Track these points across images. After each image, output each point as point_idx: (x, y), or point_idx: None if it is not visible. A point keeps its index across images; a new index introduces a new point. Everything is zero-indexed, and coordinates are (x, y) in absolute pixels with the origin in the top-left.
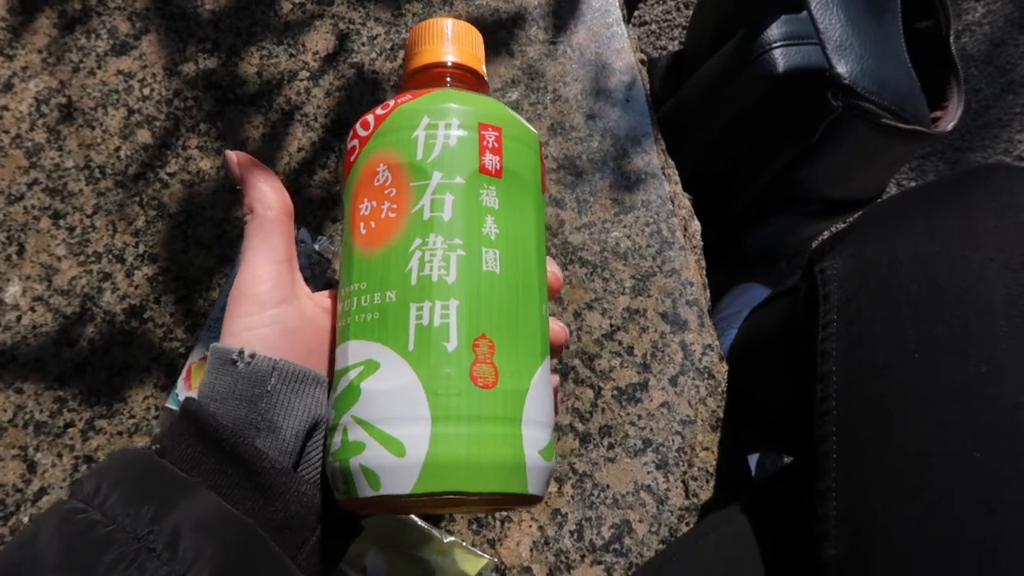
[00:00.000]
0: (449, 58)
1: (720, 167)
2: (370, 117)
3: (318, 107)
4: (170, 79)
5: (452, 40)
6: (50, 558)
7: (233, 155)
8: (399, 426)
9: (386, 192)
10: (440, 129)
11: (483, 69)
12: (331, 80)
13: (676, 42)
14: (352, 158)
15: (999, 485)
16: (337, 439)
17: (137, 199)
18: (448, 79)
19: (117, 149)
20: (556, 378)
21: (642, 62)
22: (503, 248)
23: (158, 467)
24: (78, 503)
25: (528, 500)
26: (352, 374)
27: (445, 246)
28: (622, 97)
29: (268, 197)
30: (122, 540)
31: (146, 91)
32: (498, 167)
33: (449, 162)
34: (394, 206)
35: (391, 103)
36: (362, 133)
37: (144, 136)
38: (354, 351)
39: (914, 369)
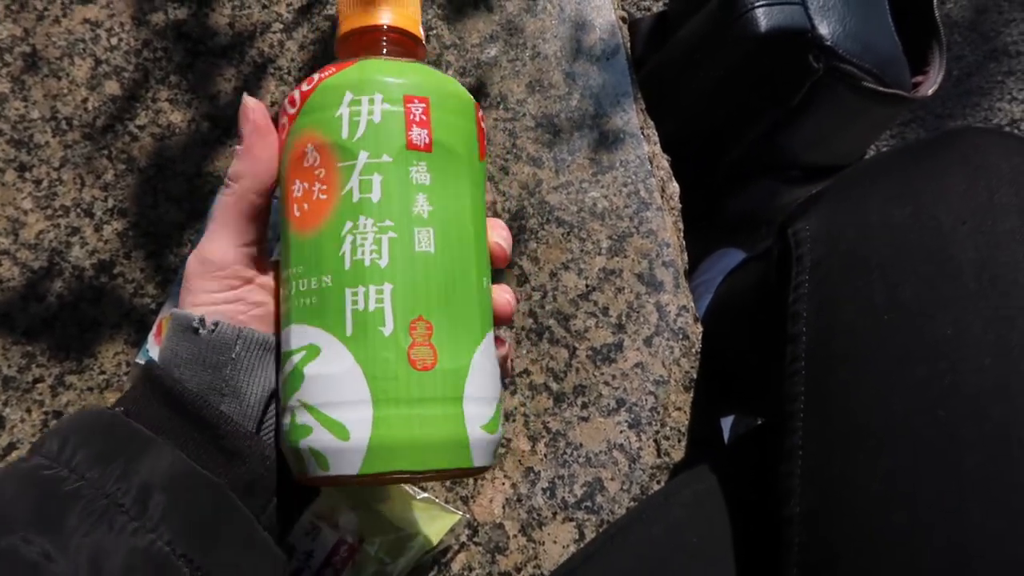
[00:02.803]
0: (379, 20)
1: (701, 129)
2: (296, 93)
3: (292, 60)
4: (139, 29)
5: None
6: (19, 514)
7: (252, 107)
8: (342, 410)
9: (316, 173)
10: (364, 105)
11: (419, 30)
12: (305, 33)
13: (660, 2)
14: (283, 136)
15: (962, 446)
16: (287, 420)
17: (106, 152)
18: (383, 45)
19: (84, 100)
20: (507, 346)
21: (623, 20)
22: (437, 226)
23: (125, 426)
24: (42, 460)
25: (476, 471)
26: (296, 358)
27: (376, 228)
28: (602, 55)
29: (261, 176)
30: (90, 496)
31: (114, 41)
32: (427, 141)
33: (375, 140)
34: (324, 187)
35: (315, 77)
36: (290, 111)
37: (112, 87)
38: (296, 335)
39: (882, 330)
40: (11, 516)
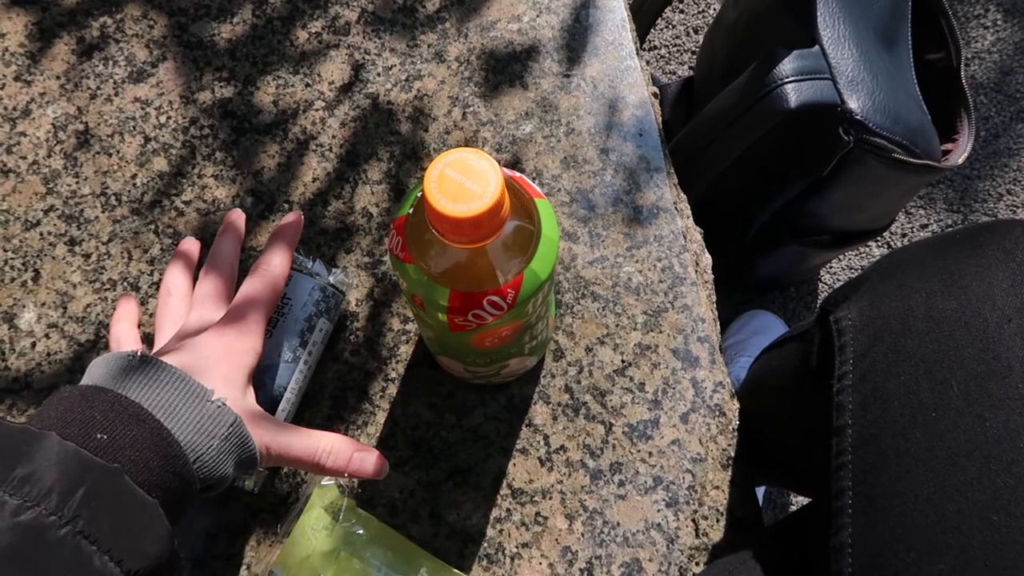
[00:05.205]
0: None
1: (731, 196)
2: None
3: (333, 137)
4: (186, 107)
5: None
6: None
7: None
8: None
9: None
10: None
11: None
12: (346, 110)
13: (686, 67)
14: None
15: (1017, 550)
16: None
17: (152, 227)
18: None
19: (133, 176)
20: None
21: (655, 95)
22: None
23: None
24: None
25: None
26: None
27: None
28: (635, 131)
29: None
30: None
31: (163, 119)
32: None
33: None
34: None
35: (509, 295)
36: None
37: (160, 164)
38: None
39: (931, 429)
40: None
